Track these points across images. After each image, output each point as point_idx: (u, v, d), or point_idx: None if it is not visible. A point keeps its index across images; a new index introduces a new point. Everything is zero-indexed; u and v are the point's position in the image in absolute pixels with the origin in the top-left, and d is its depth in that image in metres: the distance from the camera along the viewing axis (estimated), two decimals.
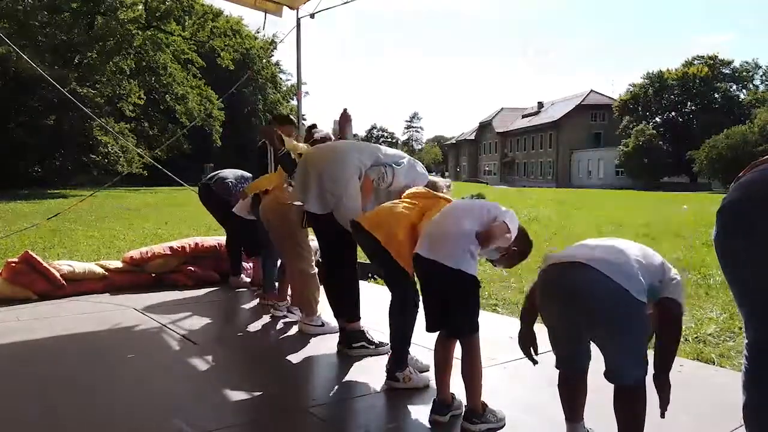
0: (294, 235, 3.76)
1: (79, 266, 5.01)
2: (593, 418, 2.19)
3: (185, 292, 5.04)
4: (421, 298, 2.54)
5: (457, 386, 2.48)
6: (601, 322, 1.92)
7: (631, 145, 46.40)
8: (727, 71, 50.88)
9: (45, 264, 4.76)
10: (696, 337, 3.78)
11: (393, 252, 2.68)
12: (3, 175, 24.51)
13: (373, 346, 3.32)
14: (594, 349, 2.05)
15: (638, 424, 1.94)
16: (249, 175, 5.23)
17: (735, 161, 30.77)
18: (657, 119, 50.57)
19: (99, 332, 3.85)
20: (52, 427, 2.43)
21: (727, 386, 2.76)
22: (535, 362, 2.23)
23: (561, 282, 1.98)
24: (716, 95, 49.65)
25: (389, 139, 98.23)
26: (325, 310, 3.75)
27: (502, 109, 70.54)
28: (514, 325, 3.95)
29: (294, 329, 3.91)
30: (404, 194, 2.98)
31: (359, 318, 3.38)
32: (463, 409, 2.41)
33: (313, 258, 3.88)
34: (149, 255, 5.23)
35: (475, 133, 74.37)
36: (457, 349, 2.46)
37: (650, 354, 1.97)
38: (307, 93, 58.35)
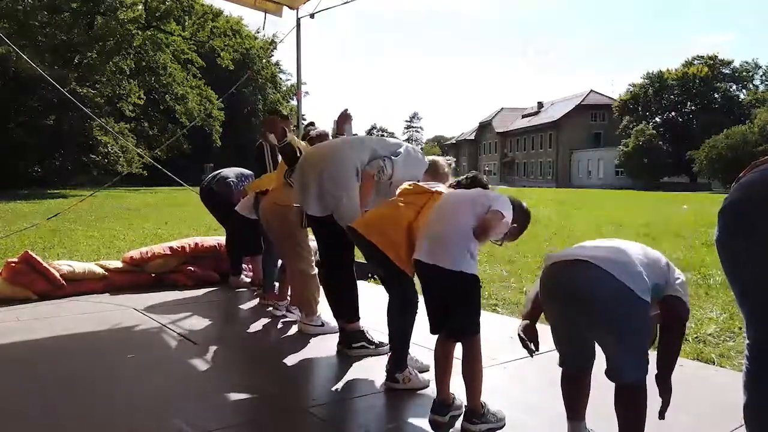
0: (293, 235, 3.76)
1: (79, 266, 5.01)
2: (594, 417, 2.19)
3: (185, 292, 5.04)
4: (422, 299, 2.54)
5: (457, 386, 2.48)
6: (603, 320, 1.92)
7: (631, 145, 46.41)
8: (727, 71, 50.88)
9: (45, 264, 4.76)
10: (696, 337, 3.78)
11: (391, 255, 2.68)
12: (3, 175, 24.51)
13: (373, 346, 3.32)
14: (596, 348, 2.05)
15: (639, 423, 1.94)
16: (249, 172, 5.23)
17: (735, 161, 30.78)
18: (657, 119, 50.58)
19: (99, 332, 3.85)
20: (52, 427, 2.43)
21: (727, 386, 2.76)
22: (531, 354, 2.20)
23: (563, 280, 1.97)
24: (716, 95, 49.65)
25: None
26: (324, 310, 3.75)
27: (502, 109, 70.53)
28: (515, 325, 3.96)
29: (294, 329, 3.91)
30: (398, 192, 2.98)
31: (359, 318, 3.38)
32: (463, 410, 2.40)
33: (312, 258, 3.87)
34: (149, 255, 5.23)
35: (475, 133, 74.36)
36: (458, 350, 2.46)
37: (651, 354, 1.97)
38: (307, 93, 58.38)
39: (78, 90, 25.53)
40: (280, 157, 4.13)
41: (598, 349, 2.04)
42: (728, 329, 3.96)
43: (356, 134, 3.79)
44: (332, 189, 3.16)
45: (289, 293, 4.31)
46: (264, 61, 41.48)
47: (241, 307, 4.79)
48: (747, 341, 1.73)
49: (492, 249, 7.66)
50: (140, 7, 29.35)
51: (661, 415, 1.97)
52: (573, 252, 2.01)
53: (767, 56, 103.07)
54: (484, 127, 71.68)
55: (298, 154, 3.63)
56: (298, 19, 6.15)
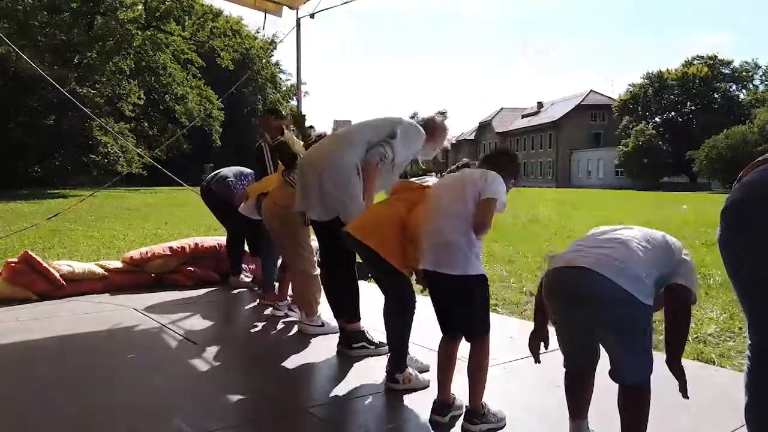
0: (294, 235, 3.74)
1: (79, 266, 5.01)
2: (596, 417, 2.19)
3: (185, 292, 5.03)
4: (426, 300, 2.52)
5: (457, 387, 2.48)
6: (606, 325, 1.91)
7: (630, 145, 46.42)
8: (727, 71, 50.91)
9: (45, 264, 4.76)
10: (696, 337, 3.78)
11: (385, 255, 2.68)
12: (3, 175, 24.53)
13: (374, 347, 3.31)
14: (600, 348, 2.05)
15: (642, 424, 1.93)
16: (249, 171, 5.22)
17: (735, 161, 30.78)
18: (657, 119, 50.60)
19: (99, 332, 3.85)
20: (52, 427, 2.42)
21: (727, 386, 2.76)
22: (537, 361, 2.22)
23: (564, 281, 1.96)
24: (716, 95, 49.67)
25: None
26: (325, 310, 3.75)
27: (501, 109, 70.51)
28: (515, 325, 3.97)
29: (294, 329, 3.91)
30: (391, 190, 2.98)
31: (359, 318, 3.37)
32: (464, 410, 2.40)
33: (315, 258, 3.86)
34: (149, 255, 5.23)
35: (474, 133, 74.31)
36: (459, 350, 2.46)
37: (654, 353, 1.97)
38: (306, 93, 58.24)
39: (78, 90, 25.55)
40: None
41: (602, 349, 2.03)
42: (728, 329, 3.96)
43: (349, 121, 3.73)
44: (335, 191, 3.13)
45: (289, 292, 4.31)
46: (264, 61, 41.49)
47: (241, 307, 4.79)
48: (748, 342, 1.73)
49: (492, 249, 7.67)
50: (140, 7, 29.37)
51: (684, 394, 1.94)
52: (574, 258, 1.97)
53: (767, 56, 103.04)
54: (484, 127, 71.66)
55: (293, 152, 3.62)
56: (298, 19, 6.15)
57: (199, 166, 31.53)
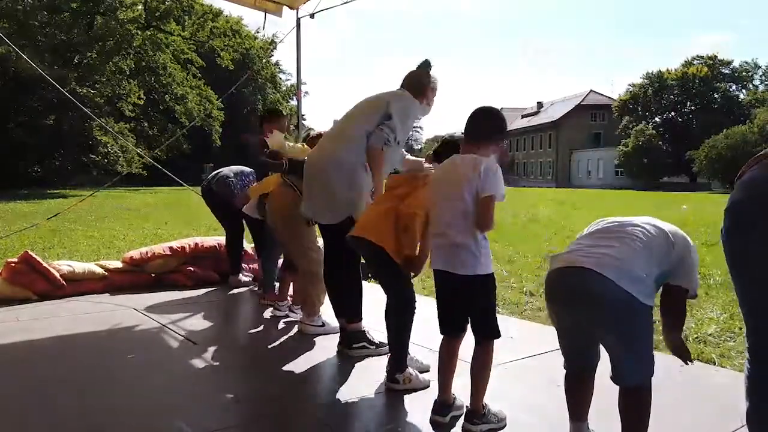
0: (299, 235, 3.72)
1: (79, 266, 5.01)
2: (596, 418, 2.19)
3: (185, 292, 5.03)
4: (437, 302, 2.51)
5: (457, 387, 2.48)
6: (606, 327, 1.91)
7: (630, 145, 46.44)
8: (727, 71, 50.92)
9: (45, 264, 4.75)
10: (696, 337, 3.78)
11: (387, 247, 2.68)
12: (3, 175, 24.53)
13: (374, 347, 3.31)
14: (600, 349, 2.05)
15: (642, 425, 1.93)
16: (249, 170, 5.22)
17: (734, 161, 30.78)
18: (657, 119, 50.62)
19: (99, 332, 3.85)
20: (52, 427, 2.42)
21: (728, 386, 2.76)
22: None
23: (565, 281, 1.96)
24: (716, 95, 49.69)
25: None
26: (325, 311, 3.75)
27: (501, 108, 69.22)
28: (515, 325, 3.97)
29: (294, 329, 3.91)
30: (386, 187, 2.99)
31: (361, 318, 3.36)
32: (464, 410, 2.40)
33: (321, 257, 3.82)
34: (149, 255, 5.22)
35: None
36: (461, 351, 2.46)
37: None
38: (306, 93, 58.27)
39: (78, 90, 25.55)
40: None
41: (603, 350, 2.03)
42: (728, 329, 3.95)
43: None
44: (342, 192, 3.11)
45: (290, 292, 4.30)
46: (264, 61, 41.48)
47: (241, 307, 4.80)
48: (747, 345, 1.71)
49: (492, 249, 7.66)
50: (140, 7, 29.36)
51: (686, 361, 2.03)
52: (574, 257, 1.97)
53: (767, 56, 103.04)
54: None
55: (282, 162, 3.64)
56: (298, 19, 6.15)
57: (199, 166, 31.55)
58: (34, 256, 4.78)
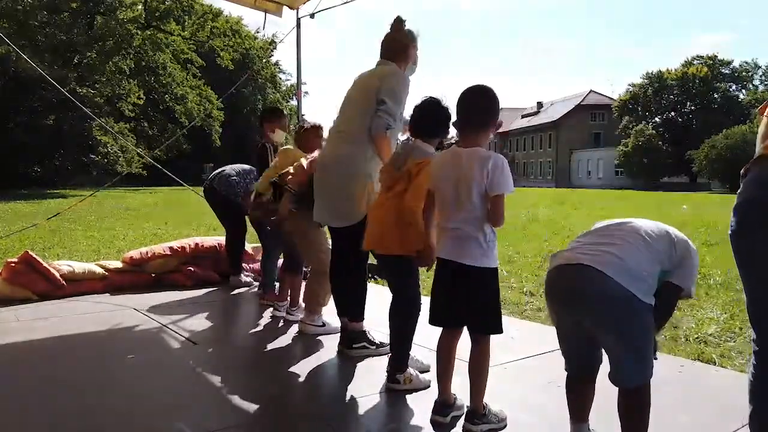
0: (306, 234, 3.72)
1: (79, 266, 5.01)
2: (597, 418, 2.19)
3: (185, 292, 5.03)
4: (432, 290, 2.48)
5: (457, 387, 2.48)
6: (606, 325, 1.89)
7: (630, 145, 46.45)
8: (727, 71, 50.95)
9: (45, 264, 4.75)
10: (696, 338, 3.78)
11: (395, 253, 2.69)
12: (3, 175, 24.56)
13: (374, 347, 3.30)
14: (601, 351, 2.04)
15: (642, 426, 1.92)
16: (251, 168, 5.21)
17: (734, 161, 30.81)
18: (657, 119, 50.64)
19: (99, 332, 3.85)
20: (52, 427, 2.42)
21: (728, 386, 2.76)
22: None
23: (564, 281, 1.95)
24: (716, 95, 49.71)
25: None
26: (326, 311, 3.75)
27: (501, 109, 69.96)
28: (515, 324, 3.97)
29: (294, 329, 3.90)
30: (382, 188, 2.97)
31: (363, 318, 3.35)
32: (465, 410, 2.40)
33: (329, 258, 3.80)
34: (149, 255, 5.22)
35: None
36: (459, 350, 2.45)
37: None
38: (306, 93, 58.28)
39: (78, 90, 25.59)
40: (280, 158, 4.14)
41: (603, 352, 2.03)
42: (729, 329, 3.95)
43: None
44: (351, 193, 3.11)
45: (289, 293, 4.30)
46: (264, 61, 41.49)
47: (241, 307, 4.79)
48: (754, 346, 1.70)
49: None
50: (140, 6, 29.39)
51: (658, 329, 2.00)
52: (574, 255, 1.96)
53: (767, 56, 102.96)
54: None
55: (270, 158, 3.63)
56: (298, 19, 6.15)
57: (199, 166, 31.60)
58: (34, 256, 4.79)
